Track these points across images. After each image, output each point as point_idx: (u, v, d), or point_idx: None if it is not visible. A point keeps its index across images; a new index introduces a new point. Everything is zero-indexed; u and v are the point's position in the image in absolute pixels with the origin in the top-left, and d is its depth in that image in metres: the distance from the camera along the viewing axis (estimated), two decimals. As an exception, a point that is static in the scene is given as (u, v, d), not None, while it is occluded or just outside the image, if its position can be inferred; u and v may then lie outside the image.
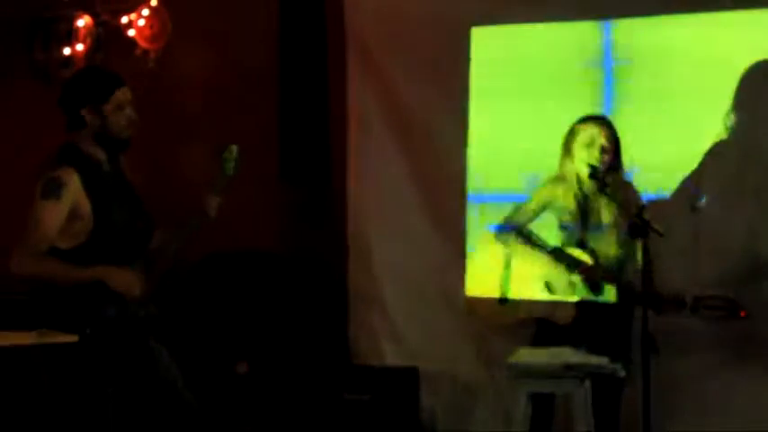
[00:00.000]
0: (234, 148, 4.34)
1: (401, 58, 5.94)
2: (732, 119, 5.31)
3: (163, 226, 4.30)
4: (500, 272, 4.96)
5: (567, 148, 4.83)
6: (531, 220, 4.97)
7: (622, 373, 4.48)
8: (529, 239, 4.91)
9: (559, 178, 4.87)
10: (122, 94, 4.09)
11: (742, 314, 4.48)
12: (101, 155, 4.10)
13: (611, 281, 4.67)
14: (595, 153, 4.72)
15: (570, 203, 4.81)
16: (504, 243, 4.97)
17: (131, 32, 6.22)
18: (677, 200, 5.40)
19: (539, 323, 4.88)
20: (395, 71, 5.97)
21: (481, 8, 5.77)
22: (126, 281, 3.99)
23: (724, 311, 4.43)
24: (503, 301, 4.94)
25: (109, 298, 3.97)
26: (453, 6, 5.81)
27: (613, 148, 4.77)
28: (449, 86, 5.86)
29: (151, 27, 6.25)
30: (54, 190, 3.93)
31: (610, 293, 4.65)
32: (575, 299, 4.71)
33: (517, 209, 5.01)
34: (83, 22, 6.26)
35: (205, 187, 4.30)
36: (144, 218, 4.20)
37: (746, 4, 5.29)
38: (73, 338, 3.86)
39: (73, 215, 3.96)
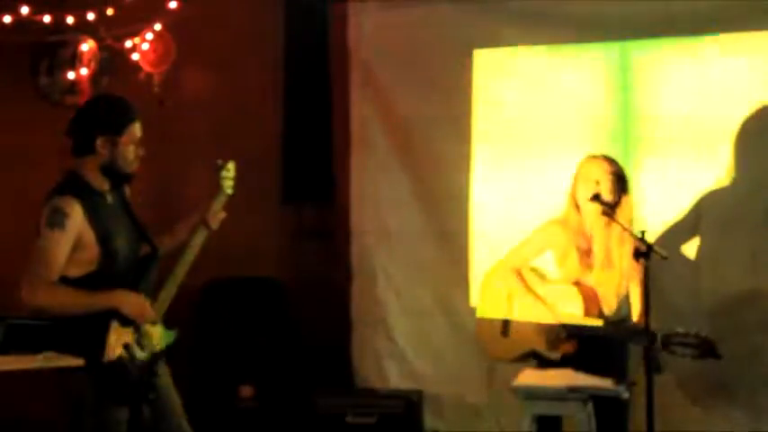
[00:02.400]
0: (231, 165, 4.38)
1: (404, 79, 5.96)
2: (739, 151, 5.32)
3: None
4: (503, 306, 4.95)
5: (570, 191, 4.82)
6: (530, 260, 4.94)
7: (626, 395, 4.48)
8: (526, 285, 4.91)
9: (562, 221, 4.86)
10: (136, 129, 4.11)
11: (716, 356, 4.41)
12: (104, 184, 4.12)
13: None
14: (592, 184, 4.72)
15: (571, 247, 4.80)
16: (503, 282, 4.96)
17: (135, 56, 6.23)
18: (676, 232, 5.41)
19: (538, 359, 4.85)
20: (397, 91, 5.98)
21: (484, 30, 5.80)
22: (138, 306, 4.03)
23: (695, 350, 4.38)
24: (504, 333, 4.93)
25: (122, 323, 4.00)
26: (456, 27, 5.83)
27: (615, 181, 4.74)
28: (452, 106, 5.87)
29: (155, 51, 6.27)
30: (59, 220, 3.94)
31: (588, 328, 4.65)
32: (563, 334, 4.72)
33: (518, 248, 4.98)
34: (87, 46, 6.27)
35: (205, 204, 4.34)
36: (149, 245, 4.22)
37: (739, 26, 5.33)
38: (79, 362, 3.87)
39: (78, 245, 3.98)
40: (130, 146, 4.09)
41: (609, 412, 4.58)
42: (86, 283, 4.00)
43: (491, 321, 4.94)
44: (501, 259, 4.98)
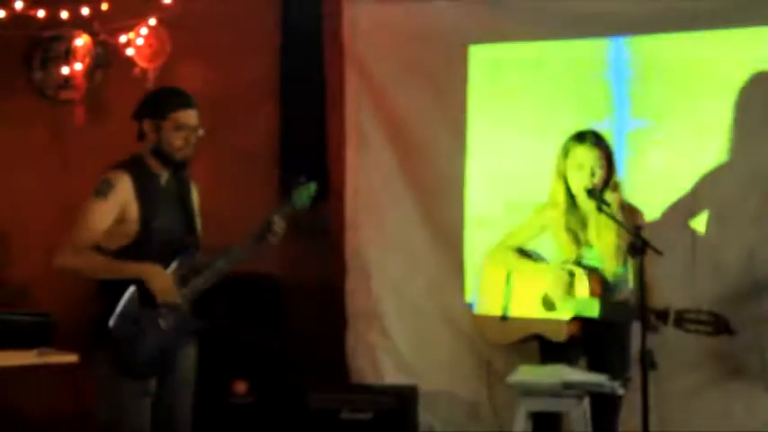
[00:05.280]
0: (312, 186, 4.44)
1: (399, 74, 5.96)
2: (734, 142, 5.32)
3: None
4: (501, 288, 4.95)
5: (558, 171, 4.82)
6: (529, 241, 4.95)
7: (621, 391, 4.47)
8: (528, 255, 4.92)
9: (551, 204, 4.85)
10: (183, 117, 4.21)
11: (730, 332, 4.40)
12: (159, 168, 4.23)
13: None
14: (587, 175, 4.72)
15: (563, 228, 4.79)
16: (502, 261, 4.96)
17: (130, 51, 6.22)
18: (673, 217, 5.41)
19: (540, 340, 4.87)
20: (392, 87, 5.98)
21: (478, 25, 5.80)
22: (163, 282, 4.09)
23: (709, 327, 4.39)
24: (504, 318, 4.93)
25: (143, 297, 4.06)
26: (450, 22, 5.83)
27: (606, 165, 4.76)
28: (446, 101, 5.88)
29: (150, 46, 6.26)
30: (103, 190, 4.07)
31: (593, 309, 4.64)
32: (569, 315, 4.71)
33: (517, 230, 4.99)
34: (81, 41, 6.26)
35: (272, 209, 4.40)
36: (193, 234, 4.30)
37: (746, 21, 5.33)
38: (73, 358, 3.89)
39: (121, 217, 4.09)
40: (174, 131, 4.18)
41: (602, 407, 4.59)
42: (119, 256, 4.09)
43: (489, 306, 4.95)
44: (499, 241, 4.98)
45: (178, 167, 4.26)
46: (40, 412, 3.98)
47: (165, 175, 4.25)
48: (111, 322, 3.99)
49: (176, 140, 4.18)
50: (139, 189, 4.12)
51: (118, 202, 4.08)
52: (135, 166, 4.18)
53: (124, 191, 4.09)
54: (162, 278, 4.09)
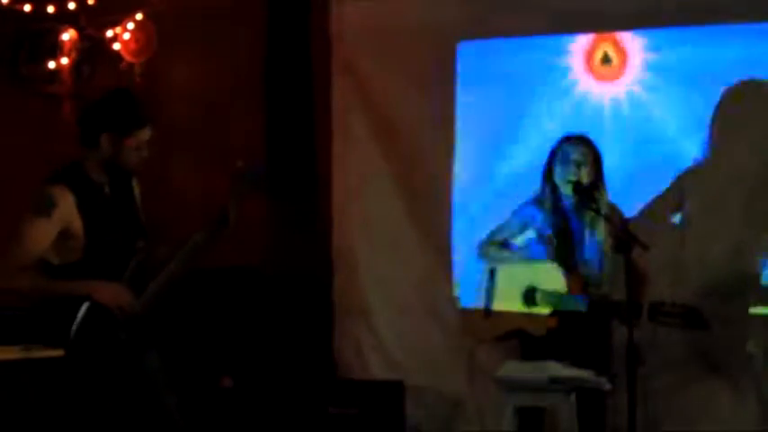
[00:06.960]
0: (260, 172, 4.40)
1: (387, 71, 5.96)
2: (715, 138, 5.33)
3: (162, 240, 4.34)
4: (485, 284, 4.97)
5: (547, 169, 4.83)
6: (512, 238, 4.97)
7: (607, 387, 4.48)
8: (512, 251, 4.93)
9: (539, 200, 4.87)
10: (144, 135, 4.08)
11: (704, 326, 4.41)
12: (103, 178, 4.10)
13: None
14: (572, 168, 4.73)
15: (550, 224, 4.81)
16: (487, 256, 4.97)
17: (117, 46, 6.21)
18: (658, 211, 5.41)
19: (519, 335, 4.88)
20: (380, 84, 5.98)
21: (468, 21, 5.80)
22: (112, 294, 4.00)
23: (683, 320, 4.39)
24: (487, 313, 4.94)
25: (96, 312, 3.97)
26: (439, 19, 5.83)
27: (592, 163, 4.77)
28: (435, 98, 5.88)
29: (136, 41, 6.25)
30: (45, 208, 3.94)
31: (573, 305, 4.65)
32: (549, 310, 4.72)
33: (499, 228, 5.00)
34: (68, 35, 6.24)
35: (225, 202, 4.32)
36: (144, 240, 4.20)
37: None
38: (59, 353, 3.86)
39: (65, 234, 3.98)
40: (134, 150, 4.06)
41: (589, 404, 4.60)
42: (70, 270, 3.99)
43: (473, 301, 4.97)
44: (485, 237, 4.99)
45: (126, 178, 4.17)
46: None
47: (106, 184, 4.12)
48: (68, 344, 3.93)
49: (133, 158, 4.07)
50: (82, 204, 3.99)
51: (61, 220, 3.95)
52: (75, 178, 4.03)
53: (67, 208, 3.96)
54: (110, 289, 4.00)
